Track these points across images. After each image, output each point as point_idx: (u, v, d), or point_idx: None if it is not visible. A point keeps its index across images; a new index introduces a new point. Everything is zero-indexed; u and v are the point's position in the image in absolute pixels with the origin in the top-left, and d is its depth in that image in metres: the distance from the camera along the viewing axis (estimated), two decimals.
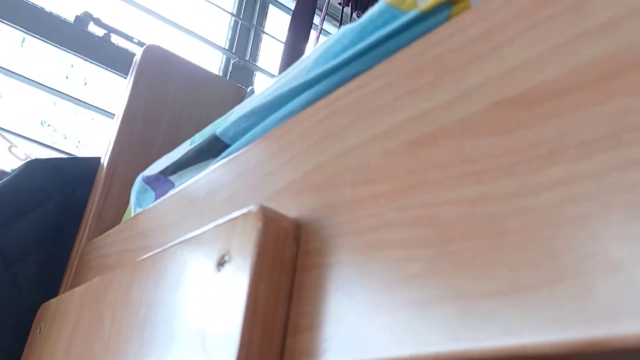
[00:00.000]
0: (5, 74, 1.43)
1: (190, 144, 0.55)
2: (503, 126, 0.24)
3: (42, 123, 1.53)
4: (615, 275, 0.19)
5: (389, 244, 0.27)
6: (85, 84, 1.61)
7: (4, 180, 0.79)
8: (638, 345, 0.18)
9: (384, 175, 0.29)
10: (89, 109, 1.55)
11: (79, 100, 1.52)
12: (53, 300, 0.65)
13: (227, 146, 0.49)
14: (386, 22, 0.35)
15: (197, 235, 0.39)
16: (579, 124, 0.21)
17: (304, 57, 0.43)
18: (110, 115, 1.55)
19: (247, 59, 1.86)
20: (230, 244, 0.35)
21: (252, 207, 0.34)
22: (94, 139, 1.57)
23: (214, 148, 0.50)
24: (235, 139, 0.47)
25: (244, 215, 0.35)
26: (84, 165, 0.83)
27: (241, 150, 0.45)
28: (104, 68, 1.53)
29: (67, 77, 1.55)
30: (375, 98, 0.33)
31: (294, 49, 1.67)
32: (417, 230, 0.26)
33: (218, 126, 0.50)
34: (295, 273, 0.33)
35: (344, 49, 0.37)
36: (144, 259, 0.45)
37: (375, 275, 0.28)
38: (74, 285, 0.71)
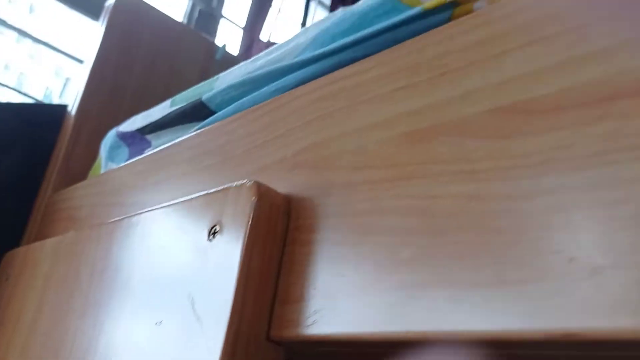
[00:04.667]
0: None
1: (171, 105, 0.55)
2: (501, 131, 0.26)
3: None
4: (593, 278, 0.22)
5: (383, 229, 0.30)
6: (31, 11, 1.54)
7: None
8: (608, 339, 0.21)
9: (382, 163, 0.31)
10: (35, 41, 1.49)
11: (23, 31, 1.46)
12: (21, 249, 0.65)
13: (211, 112, 0.50)
14: (387, 13, 0.36)
15: (187, 202, 0.40)
16: (573, 139, 0.24)
17: (298, 32, 0.44)
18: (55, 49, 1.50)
19: (214, 6, 1.82)
20: (222, 215, 0.36)
21: (246, 181, 0.36)
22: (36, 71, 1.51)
23: (199, 113, 0.50)
24: (221, 106, 0.48)
25: (237, 187, 0.36)
26: (50, 112, 0.82)
27: (229, 119, 0.46)
28: (67, 6, 1.48)
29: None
30: (374, 86, 0.34)
31: (262, 0, 1.65)
32: (412, 219, 0.29)
33: (203, 91, 0.51)
34: (285, 247, 0.35)
35: (343, 34, 0.38)
36: (127, 218, 0.46)
37: (367, 257, 0.30)
38: (40, 235, 0.71)
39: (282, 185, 0.37)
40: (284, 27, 1.81)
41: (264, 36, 1.65)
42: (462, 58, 0.30)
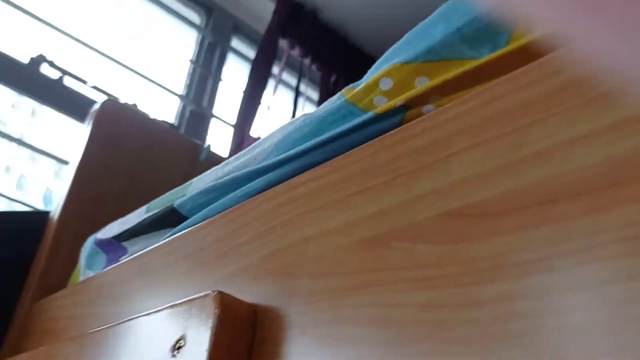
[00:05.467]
0: None
1: (146, 212, 0.56)
2: (450, 236, 0.26)
3: None
4: None
5: (345, 339, 0.29)
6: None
7: None
8: None
9: (340, 270, 0.31)
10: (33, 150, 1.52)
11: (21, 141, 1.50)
12: None
13: (184, 218, 0.50)
14: (344, 117, 0.37)
15: (153, 314, 0.39)
16: (517, 244, 0.23)
17: (263, 137, 0.45)
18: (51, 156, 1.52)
19: (204, 106, 1.87)
20: (187, 329, 0.35)
21: (210, 292, 0.35)
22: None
23: (171, 219, 0.50)
24: (192, 212, 0.48)
25: (201, 299, 0.35)
26: (31, 220, 0.82)
27: (199, 225, 0.45)
28: (56, 110, 1.52)
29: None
30: (331, 191, 0.34)
31: (252, 98, 1.70)
32: (370, 330, 0.28)
33: (176, 197, 0.51)
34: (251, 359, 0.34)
35: (303, 138, 0.39)
36: (94, 332, 0.45)
37: None
38: (17, 348, 0.69)
39: (248, 293, 0.36)
40: (274, 123, 1.85)
41: (254, 133, 1.68)
42: (413, 161, 0.30)
